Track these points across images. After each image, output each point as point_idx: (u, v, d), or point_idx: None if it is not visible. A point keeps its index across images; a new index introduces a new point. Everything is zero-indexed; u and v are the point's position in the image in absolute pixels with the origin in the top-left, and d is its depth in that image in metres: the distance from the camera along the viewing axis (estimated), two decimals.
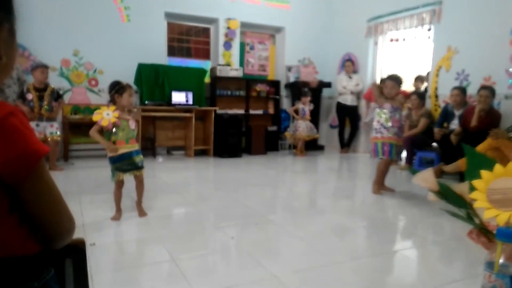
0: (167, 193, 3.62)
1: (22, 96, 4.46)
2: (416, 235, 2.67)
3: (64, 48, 5.54)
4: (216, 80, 6.44)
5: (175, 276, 1.84)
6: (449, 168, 4.08)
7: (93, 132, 2.55)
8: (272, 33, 7.42)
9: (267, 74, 7.49)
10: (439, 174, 4.22)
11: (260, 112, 7.00)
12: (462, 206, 1.00)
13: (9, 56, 0.69)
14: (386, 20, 6.27)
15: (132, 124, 2.65)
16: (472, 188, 0.91)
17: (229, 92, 6.65)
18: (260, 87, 6.94)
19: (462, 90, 4.75)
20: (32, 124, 4.34)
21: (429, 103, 5.50)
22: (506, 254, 0.82)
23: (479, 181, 0.89)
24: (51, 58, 5.33)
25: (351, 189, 4.23)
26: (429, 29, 5.60)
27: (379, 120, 3.61)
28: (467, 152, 1.06)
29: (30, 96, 4.42)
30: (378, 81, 6.11)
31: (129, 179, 2.75)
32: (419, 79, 6.02)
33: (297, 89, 6.91)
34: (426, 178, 1.05)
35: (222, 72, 6.39)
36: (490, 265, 0.85)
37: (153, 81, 5.87)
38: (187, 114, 5.96)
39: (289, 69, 7.26)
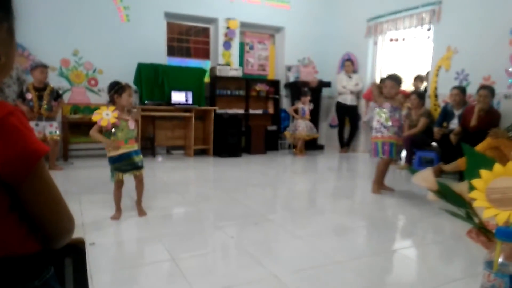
0: (167, 192, 3.63)
1: (21, 95, 4.46)
2: (415, 234, 2.67)
3: (63, 47, 5.54)
4: (216, 79, 6.44)
5: (175, 275, 1.84)
6: (448, 167, 4.08)
7: (93, 132, 2.55)
8: (271, 33, 7.42)
9: (267, 73, 7.49)
10: (439, 173, 4.23)
11: (259, 111, 7.00)
12: (462, 206, 1.00)
13: (8, 56, 0.69)
14: (385, 20, 6.27)
15: (132, 124, 2.65)
16: (472, 188, 0.91)
17: (228, 92, 6.65)
18: (259, 87, 6.94)
19: (461, 89, 4.75)
20: (32, 124, 4.32)
21: (428, 103, 5.50)
22: (505, 253, 0.82)
23: (478, 181, 0.89)
24: (51, 57, 5.32)
25: (350, 188, 4.23)
26: (429, 29, 5.60)
27: (379, 119, 3.61)
28: (466, 151, 1.06)
29: (29, 96, 4.42)
30: (378, 81, 6.12)
31: (129, 179, 2.75)
32: (418, 79, 6.03)
33: (296, 88, 6.92)
34: (425, 178, 1.06)
35: (221, 71, 6.39)
36: (489, 264, 0.85)
37: (152, 80, 5.87)
38: (187, 114, 5.96)
39: (288, 68, 7.26)
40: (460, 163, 3.84)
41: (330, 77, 7.27)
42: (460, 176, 4.18)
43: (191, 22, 6.73)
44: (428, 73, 5.78)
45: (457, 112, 4.74)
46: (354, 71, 6.81)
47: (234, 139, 6.12)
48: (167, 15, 6.28)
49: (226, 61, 6.70)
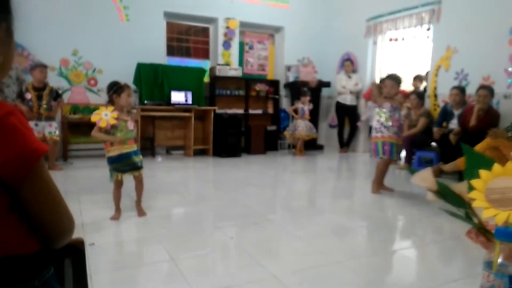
0: (166, 192, 3.62)
1: (20, 95, 4.45)
2: (415, 234, 2.67)
3: (63, 47, 5.54)
4: (216, 79, 6.44)
5: (174, 275, 1.84)
6: (447, 167, 4.08)
7: (95, 132, 2.55)
8: (271, 32, 7.42)
9: (267, 73, 7.49)
10: (438, 173, 4.23)
11: (259, 111, 7.00)
12: (461, 206, 1.00)
13: (7, 56, 0.69)
14: (385, 20, 6.28)
15: (131, 125, 2.65)
16: (471, 188, 0.91)
17: (228, 92, 6.65)
18: (259, 87, 6.94)
19: (461, 89, 4.76)
20: (31, 124, 4.34)
21: (428, 103, 5.51)
22: (504, 253, 0.82)
23: (477, 181, 0.89)
24: (50, 57, 5.32)
25: (350, 188, 4.23)
26: (428, 29, 5.61)
27: (379, 119, 3.61)
28: (466, 151, 1.06)
29: (29, 96, 4.41)
30: (377, 81, 6.12)
31: (128, 179, 2.75)
32: (418, 79, 6.03)
33: (296, 88, 6.92)
34: (425, 178, 1.06)
35: (221, 71, 6.39)
36: (488, 264, 0.85)
37: (152, 80, 5.87)
38: (187, 114, 5.96)
39: (288, 68, 7.26)
40: (459, 163, 3.84)
41: (330, 77, 7.27)
42: (460, 176, 4.18)
43: (191, 22, 6.73)
44: (427, 73, 5.78)
45: (456, 112, 4.74)
46: (354, 71, 6.81)
47: (234, 139, 6.12)
48: (167, 14, 6.28)
49: (226, 61, 6.70)
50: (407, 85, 6.03)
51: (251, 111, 6.91)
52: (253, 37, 7.27)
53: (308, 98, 6.38)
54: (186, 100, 6.02)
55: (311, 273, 1.88)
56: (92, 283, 1.70)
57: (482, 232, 0.96)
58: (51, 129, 4.57)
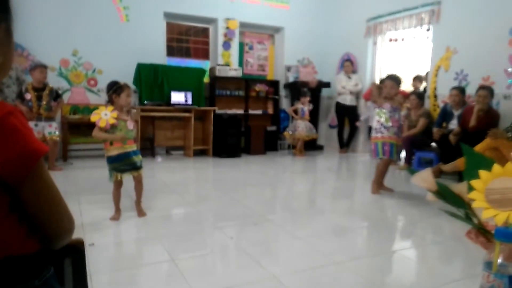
0: (166, 193, 3.62)
1: (20, 96, 4.45)
2: (415, 235, 2.67)
3: (63, 48, 5.54)
4: (215, 80, 6.44)
5: (174, 276, 1.84)
6: (447, 167, 4.08)
7: (95, 132, 2.54)
8: (271, 33, 7.42)
9: (266, 74, 7.49)
10: (438, 174, 4.23)
11: (259, 112, 7.00)
12: (461, 206, 1.00)
13: (6, 56, 0.69)
14: (385, 20, 6.28)
15: (130, 125, 2.65)
16: (471, 188, 0.91)
17: (228, 92, 6.65)
18: (259, 87, 6.94)
19: (461, 90, 4.76)
20: (31, 124, 4.33)
21: (428, 103, 5.51)
22: (504, 254, 0.82)
23: (477, 181, 0.89)
24: (50, 58, 5.32)
25: (350, 189, 4.23)
26: (428, 29, 5.61)
27: (379, 120, 3.61)
28: (465, 152, 1.06)
29: (28, 96, 4.41)
30: (377, 81, 6.12)
31: (128, 179, 2.75)
32: (417, 79, 6.03)
33: (296, 89, 6.92)
34: (424, 178, 1.06)
35: (221, 72, 6.39)
36: (488, 265, 0.85)
37: (152, 81, 5.87)
38: (186, 114, 5.96)
39: (288, 69, 7.27)
40: (459, 164, 3.84)
41: (330, 77, 7.27)
42: (460, 176, 4.18)
43: (191, 22, 6.73)
44: (427, 73, 5.78)
45: (456, 113, 4.74)
46: (354, 72, 6.81)
47: (234, 139, 6.12)
48: (167, 15, 6.28)
49: (226, 61, 6.70)
50: (407, 86, 6.04)
51: (251, 112, 6.91)
52: (253, 37, 7.27)
53: (308, 98, 6.38)
54: (186, 101, 6.02)
55: (311, 274, 1.88)
56: (92, 283, 1.70)
57: (482, 232, 0.96)
58: (51, 130, 4.56)
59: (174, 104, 5.89)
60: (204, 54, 6.94)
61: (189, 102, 6.03)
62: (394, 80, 3.60)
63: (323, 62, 7.50)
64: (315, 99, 6.95)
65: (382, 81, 4.26)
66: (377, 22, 6.43)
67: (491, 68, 4.69)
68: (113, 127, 2.56)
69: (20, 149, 0.64)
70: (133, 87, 5.69)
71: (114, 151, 2.60)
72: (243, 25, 6.87)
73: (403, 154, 5.51)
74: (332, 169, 5.61)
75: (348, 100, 6.74)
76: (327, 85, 7.21)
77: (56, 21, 5.43)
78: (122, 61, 5.77)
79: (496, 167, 0.89)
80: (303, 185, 4.44)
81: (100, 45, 5.73)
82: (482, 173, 0.89)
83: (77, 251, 0.86)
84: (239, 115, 6.61)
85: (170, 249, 2.17)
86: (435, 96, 5.48)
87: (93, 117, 2.53)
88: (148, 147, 5.89)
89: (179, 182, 4.35)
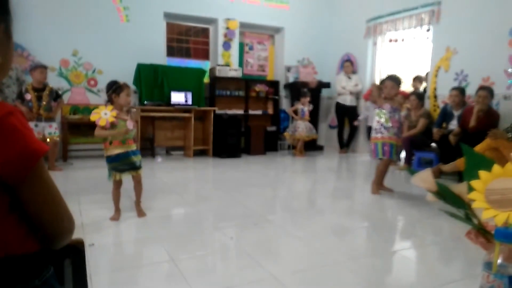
0: (166, 193, 3.62)
1: (20, 96, 4.45)
2: (415, 235, 2.67)
3: (63, 48, 5.54)
4: (215, 80, 6.44)
5: (174, 276, 1.84)
6: (447, 167, 4.08)
7: (97, 131, 2.54)
8: (271, 33, 7.43)
9: (266, 74, 7.49)
10: (438, 174, 4.23)
11: (259, 112, 7.00)
12: (461, 207, 1.00)
13: (6, 56, 0.69)
14: (385, 21, 6.28)
15: (130, 124, 2.64)
16: (471, 189, 0.91)
17: (228, 92, 6.65)
18: (259, 87, 6.94)
19: (461, 90, 4.76)
20: (31, 125, 4.33)
21: (428, 104, 5.51)
22: (504, 254, 0.82)
23: (477, 182, 0.89)
24: (50, 58, 5.33)
25: (350, 189, 4.23)
26: (428, 30, 5.61)
27: (379, 120, 3.61)
28: (465, 152, 1.06)
29: (28, 96, 4.41)
30: (377, 82, 6.12)
31: (128, 179, 2.75)
32: (417, 79, 6.03)
33: (296, 89, 6.92)
34: (424, 179, 1.06)
35: (221, 72, 6.39)
36: (488, 265, 0.85)
37: (152, 81, 5.87)
38: (186, 114, 5.96)
39: (288, 69, 7.27)
40: (459, 164, 3.84)
41: (330, 77, 7.27)
42: (459, 177, 4.18)
43: (191, 23, 6.73)
44: (427, 73, 5.78)
45: (456, 113, 4.74)
46: (354, 72, 6.81)
47: (234, 139, 6.12)
48: (167, 15, 6.29)
49: (226, 62, 6.71)
50: (407, 86, 6.04)
51: (251, 112, 6.91)
52: (253, 37, 7.28)
53: (308, 99, 6.38)
54: (186, 101, 6.02)
55: (310, 274, 1.88)
56: (92, 283, 1.70)
57: (482, 233, 0.96)
58: (51, 130, 4.56)
59: (174, 104, 5.89)
60: (204, 54, 6.94)
61: (189, 102, 6.03)
62: (394, 80, 3.60)
63: (323, 63, 7.50)
64: (315, 99, 6.95)
65: (382, 81, 4.26)
66: (377, 22, 6.43)
67: (491, 69, 4.69)
68: (113, 126, 2.56)
69: (20, 149, 0.64)
70: (133, 87, 5.69)
71: (113, 151, 2.60)
72: (243, 25, 6.87)
73: (403, 154, 5.51)
74: (332, 169, 5.61)
75: (348, 100, 6.74)
76: (327, 85, 7.21)
77: (56, 21, 5.43)
78: (122, 61, 5.78)
79: (496, 167, 0.89)
80: (303, 185, 4.44)
81: (100, 45, 5.73)
82: (482, 173, 0.89)
83: (77, 251, 0.86)
84: (239, 115, 6.62)
85: (170, 249, 2.17)
86: (435, 97, 5.49)
87: (93, 117, 2.53)
88: (148, 147, 5.89)
89: (179, 182, 4.35)
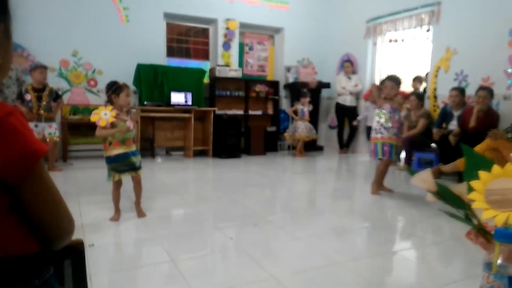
0: (166, 193, 3.62)
1: (20, 96, 4.45)
2: (415, 235, 2.67)
3: (63, 48, 5.54)
4: (215, 80, 6.44)
5: (174, 276, 1.84)
6: (446, 168, 4.08)
7: (98, 131, 2.54)
8: (271, 33, 7.43)
9: (266, 74, 7.49)
10: (438, 174, 4.23)
11: (259, 112, 7.00)
12: (461, 207, 1.00)
13: (5, 57, 0.69)
14: (385, 21, 6.28)
15: (130, 124, 2.65)
16: (470, 189, 0.91)
17: (228, 93, 6.65)
18: (259, 88, 6.94)
19: (460, 90, 4.76)
20: (31, 125, 4.33)
21: (428, 104, 5.51)
22: (504, 254, 0.82)
23: (477, 182, 0.89)
24: (50, 58, 5.33)
25: (350, 189, 4.23)
26: (428, 30, 5.61)
27: (379, 120, 3.61)
28: (465, 152, 1.06)
29: (28, 97, 4.41)
30: (377, 82, 6.12)
31: (127, 180, 2.75)
32: (417, 80, 6.03)
33: (296, 89, 6.92)
34: (424, 179, 1.06)
35: (221, 72, 6.39)
36: (488, 265, 0.85)
37: (152, 81, 5.87)
38: (186, 115, 5.96)
39: (288, 69, 7.27)
40: (459, 164, 3.85)
41: (330, 78, 7.27)
42: (459, 177, 4.18)
43: (191, 23, 6.73)
44: (427, 74, 5.78)
45: (456, 113, 4.74)
46: (354, 72, 6.81)
47: (234, 140, 6.12)
48: (167, 15, 6.29)
49: (226, 62, 6.71)
50: (406, 86, 6.04)
51: (251, 112, 6.91)
52: (253, 38, 7.28)
53: (308, 99, 6.38)
54: (186, 101, 6.02)
55: (310, 274, 1.88)
56: (92, 284, 1.70)
57: (482, 233, 0.96)
58: (51, 130, 4.56)
59: (174, 105, 5.89)
60: (204, 54, 6.94)
61: (189, 102, 6.03)
62: (394, 80, 3.60)
63: (323, 63, 7.51)
64: (315, 99, 6.96)
65: (382, 81, 4.26)
66: (376, 22, 6.43)
67: (491, 69, 4.69)
68: (113, 126, 2.56)
69: (20, 150, 0.64)
70: (133, 87, 5.69)
71: (113, 151, 2.60)
72: (243, 25, 6.87)
73: (403, 154, 5.51)
74: (332, 169, 5.61)
75: (348, 100, 6.74)
76: (327, 85, 7.21)
77: (56, 21, 5.43)
78: (122, 62, 5.78)
79: (495, 167, 0.89)
80: (303, 186, 4.44)
81: (100, 45, 5.73)
82: (482, 173, 0.89)
83: (77, 252, 0.86)
84: (239, 115, 6.62)
85: (170, 249, 2.16)
86: (435, 97, 5.49)
87: (93, 117, 2.53)
88: (148, 148, 5.89)
89: (179, 182, 4.35)
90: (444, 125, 4.89)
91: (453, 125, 4.70)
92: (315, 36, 7.41)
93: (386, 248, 2.37)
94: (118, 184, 2.71)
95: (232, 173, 4.87)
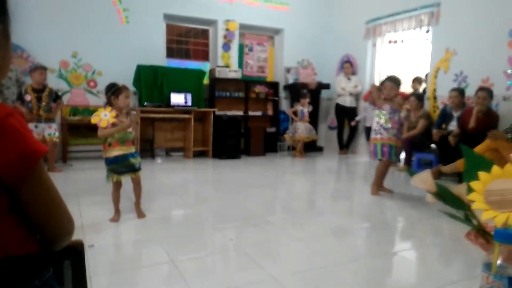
0: (166, 194, 3.62)
1: (20, 97, 4.46)
2: (414, 236, 2.67)
3: (63, 49, 5.54)
4: (215, 81, 6.44)
5: (174, 277, 1.84)
6: (446, 168, 4.09)
7: (100, 131, 2.54)
8: (271, 34, 7.43)
9: (266, 75, 7.50)
10: (437, 175, 4.23)
11: (259, 113, 7.01)
12: (460, 208, 1.00)
13: (4, 58, 0.69)
14: (384, 22, 6.29)
15: (128, 121, 2.64)
16: (470, 190, 0.91)
17: (228, 94, 6.65)
18: (259, 89, 6.95)
19: (460, 91, 4.77)
20: (31, 126, 4.34)
21: (427, 105, 5.51)
22: (503, 255, 0.82)
23: (477, 183, 0.89)
24: (50, 59, 5.33)
25: (350, 190, 4.23)
26: (428, 31, 5.62)
27: (378, 121, 3.62)
28: (465, 153, 1.06)
29: (28, 97, 4.42)
30: (377, 83, 6.13)
31: (127, 180, 2.75)
32: (417, 81, 6.04)
33: (296, 90, 6.92)
34: (424, 180, 1.06)
35: (221, 73, 6.40)
36: (488, 266, 0.85)
37: (152, 82, 5.87)
38: (186, 116, 5.96)
39: (288, 70, 7.27)
40: (458, 165, 3.85)
41: (329, 79, 7.27)
42: (459, 178, 4.18)
43: (190, 24, 6.74)
44: (427, 75, 5.79)
45: (456, 114, 4.75)
46: (353, 73, 6.82)
47: (233, 141, 6.12)
48: (166, 17, 6.29)
49: (225, 63, 6.71)
50: (406, 87, 6.04)
51: (250, 113, 6.91)
52: (253, 39, 7.28)
53: (307, 100, 6.39)
54: (185, 102, 6.02)
55: (310, 275, 1.88)
56: (92, 284, 1.70)
57: (481, 233, 0.96)
58: (51, 131, 4.56)
59: (174, 106, 5.89)
60: (203, 55, 6.95)
61: (189, 103, 6.03)
62: (394, 81, 3.60)
63: (322, 64, 7.51)
64: (315, 100, 6.96)
65: (381, 82, 4.27)
66: (376, 23, 6.44)
67: (491, 70, 4.69)
68: (114, 127, 2.56)
69: (19, 150, 0.64)
70: (133, 88, 5.69)
71: (112, 153, 2.60)
72: (242, 26, 6.88)
73: (402, 155, 5.51)
74: (332, 170, 5.61)
75: (347, 101, 6.75)
76: (327, 86, 7.22)
77: (56, 22, 5.44)
78: (122, 63, 5.78)
79: (495, 168, 0.89)
80: (303, 187, 4.44)
81: (100, 46, 5.74)
82: (482, 174, 0.89)
83: (77, 252, 0.86)
84: (239, 116, 6.61)
85: (169, 250, 2.16)
86: (435, 98, 5.49)
87: (94, 119, 2.53)
88: (148, 149, 5.89)
89: (179, 183, 4.35)
90: (443, 126, 4.89)
91: (453, 126, 4.71)
92: (315, 37, 7.42)
93: (386, 248, 2.37)
94: (118, 185, 2.71)
95: (232, 174, 4.86)
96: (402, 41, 6.28)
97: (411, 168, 5.11)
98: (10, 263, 0.68)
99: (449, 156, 4.24)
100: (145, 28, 6.01)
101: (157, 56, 6.14)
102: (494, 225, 0.85)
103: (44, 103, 4.47)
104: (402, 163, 5.53)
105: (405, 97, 5.20)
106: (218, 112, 6.32)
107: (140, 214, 2.78)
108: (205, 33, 6.89)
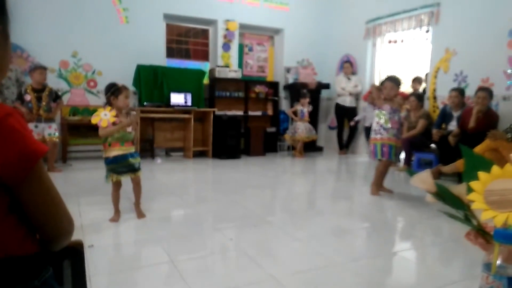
0: (166, 194, 3.62)
1: (20, 97, 4.45)
2: (414, 236, 2.67)
3: (62, 49, 5.54)
4: (215, 81, 6.44)
5: (174, 277, 1.84)
6: (446, 169, 4.09)
7: (101, 131, 2.54)
8: (271, 34, 7.43)
9: (266, 75, 7.49)
10: (437, 175, 4.23)
11: (259, 113, 7.01)
12: (460, 208, 1.00)
13: (3, 58, 0.69)
14: (384, 22, 6.29)
15: (129, 127, 2.65)
16: (470, 190, 0.91)
17: (228, 94, 6.65)
18: (259, 89, 6.94)
19: (460, 91, 4.77)
20: (31, 126, 4.34)
21: (427, 105, 5.51)
22: (503, 255, 0.82)
23: (476, 183, 0.89)
24: (50, 59, 5.32)
25: (349, 190, 4.23)
26: (427, 31, 5.62)
27: (378, 121, 3.62)
28: (465, 153, 1.06)
29: (28, 97, 4.42)
30: (377, 83, 6.13)
31: (127, 181, 2.75)
32: (416, 80, 6.04)
33: (296, 90, 6.92)
34: (424, 180, 1.05)
35: (221, 73, 6.40)
36: (487, 266, 0.85)
37: (152, 82, 5.87)
38: (186, 115, 5.96)
39: (288, 70, 7.27)
40: (458, 165, 3.85)
41: (329, 78, 7.27)
42: (459, 178, 4.18)
43: (190, 24, 6.74)
44: (426, 75, 5.79)
45: (455, 114, 4.75)
46: (353, 73, 6.82)
47: (233, 141, 6.12)
48: (166, 16, 6.29)
49: (225, 63, 6.71)
50: (406, 87, 6.04)
51: (250, 113, 6.91)
52: (253, 39, 7.28)
53: (307, 100, 6.39)
54: (185, 102, 6.02)
55: (310, 275, 1.88)
56: (91, 284, 1.70)
57: (481, 234, 0.96)
58: (51, 131, 4.56)
59: (173, 106, 5.89)
60: (203, 55, 6.95)
61: (189, 103, 6.03)
62: (394, 81, 3.60)
63: (322, 64, 7.51)
64: (315, 100, 6.96)
65: (381, 82, 4.27)
66: (376, 23, 6.44)
67: (490, 70, 4.69)
68: (114, 126, 2.56)
69: (19, 150, 0.64)
70: (132, 88, 5.69)
71: (111, 153, 2.60)
72: (242, 26, 6.88)
73: (402, 155, 5.51)
74: (332, 170, 5.61)
75: (347, 101, 6.75)
76: (327, 86, 7.22)
77: (56, 22, 5.43)
78: (121, 63, 5.78)
79: (495, 168, 0.89)
80: (303, 187, 4.44)
81: (99, 46, 5.73)
82: (481, 174, 0.89)
83: (77, 252, 0.86)
84: (239, 116, 6.61)
85: (169, 250, 2.16)
86: (435, 98, 5.49)
87: (94, 119, 2.53)
88: (148, 149, 5.89)
89: (179, 183, 4.35)
90: (443, 126, 4.89)
91: (453, 126, 4.71)
92: (314, 37, 7.42)
93: (385, 248, 2.37)
94: (117, 185, 2.71)
95: (231, 174, 4.86)
96: (402, 41, 6.28)
97: (411, 168, 5.11)
98: (10, 263, 0.68)
99: (449, 156, 4.24)
100: (145, 28, 6.00)
101: (157, 56, 6.14)
102: (494, 225, 0.84)
103: (44, 103, 4.47)
104: (402, 163, 5.53)
105: (405, 97, 5.20)
106: (218, 112, 6.32)
107: (140, 214, 2.78)
108: (205, 33, 6.89)
